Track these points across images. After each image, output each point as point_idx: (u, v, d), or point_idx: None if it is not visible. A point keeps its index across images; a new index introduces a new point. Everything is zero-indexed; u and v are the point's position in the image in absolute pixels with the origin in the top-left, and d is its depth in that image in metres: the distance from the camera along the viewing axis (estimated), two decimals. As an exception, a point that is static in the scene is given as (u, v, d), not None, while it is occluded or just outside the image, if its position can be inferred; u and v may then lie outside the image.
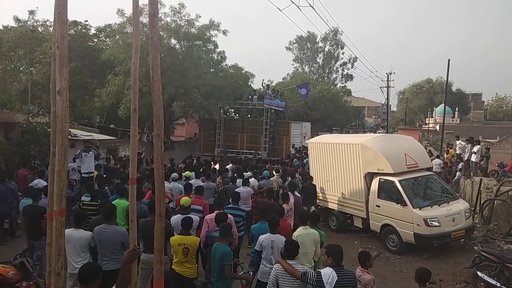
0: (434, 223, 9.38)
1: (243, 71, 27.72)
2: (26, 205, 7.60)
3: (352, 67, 60.10)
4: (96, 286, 3.69)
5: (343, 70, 61.55)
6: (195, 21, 23.84)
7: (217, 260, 5.45)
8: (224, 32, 24.81)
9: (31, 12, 26.30)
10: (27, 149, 13.06)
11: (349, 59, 59.19)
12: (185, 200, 7.23)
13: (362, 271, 5.11)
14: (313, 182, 12.38)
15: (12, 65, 26.51)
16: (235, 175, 11.74)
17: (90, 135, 17.10)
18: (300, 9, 17.28)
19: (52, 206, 2.86)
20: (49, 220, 3.02)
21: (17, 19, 26.26)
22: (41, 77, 23.66)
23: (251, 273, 6.05)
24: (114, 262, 5.70)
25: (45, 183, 9.60)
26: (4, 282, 5.59)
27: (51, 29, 26.53)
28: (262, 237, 6.09)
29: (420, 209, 9.59)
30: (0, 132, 12.96)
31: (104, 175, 12.11)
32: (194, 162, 16.93)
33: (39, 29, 27.01)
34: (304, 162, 17.07)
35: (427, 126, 51.35)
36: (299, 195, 10.36)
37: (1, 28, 26.62)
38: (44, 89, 23.83)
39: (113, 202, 7.45)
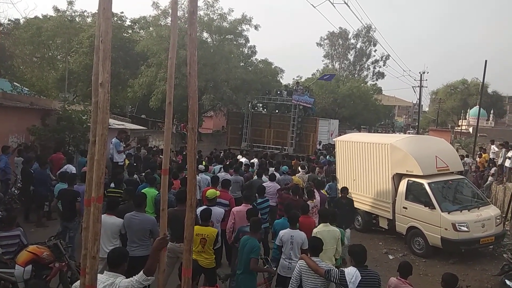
0: (462, 228, 9.18)
1: (273, 66, 27.70)
2: (62, 189, 7.96)
3: (384, 65, 58.96)
4: (124, 269, 3.85)
5: (374, 67, 60.45)
6: (227, 15, 23.97)
7: (244, 252, 5.55)
8: (256, 27, 24.83)
9: (70, 3, 27.07)
10: (63, 135, 13.52)
11: (381, 57, 58.09)
12: (210, 192, 7.35)
13: (404, 282, 4.95)
14: (349, 196, 10.13)
15: (50, 53, 27.38)
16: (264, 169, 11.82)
17: (122, 124, 17.54)
18: (334, 6, 17.07)
19: (90, 192, 3.00)
20: (87, 206, 3.17)
21: (56, 9, 27.11)
22: (77, 66, 24.38)
23: (275, 268, 6.14)
24: (142, 249, 5.89)
25: (74, 168, 10.08)
26: (39, 262, 5.88)
27: (88, 19, 27.33)
28: (282, 232, 6.20)
29: (448, 213, 9.41)
30: (37, 118, 13.47)
31: (135, 164, 12.44)
32: (221, 155, 17.13)
33: (77, 19, 27.80)
34: (327, 159, 17.01)
35: (459, 128, 49.81)
36: (324, 193, 10.35)
37: (41, 17, 27.56)
38: (80, 77, 24.55)
39: (142, 191, 7.69)
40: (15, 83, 19.56)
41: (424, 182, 9.91)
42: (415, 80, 41.47)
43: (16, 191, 10.78)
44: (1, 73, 21.13)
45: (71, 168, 10.24)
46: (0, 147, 11.12)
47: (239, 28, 24.46)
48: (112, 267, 3.82)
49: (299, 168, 13.97)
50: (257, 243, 5.61)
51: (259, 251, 5.63)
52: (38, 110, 13.81)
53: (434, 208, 9.50)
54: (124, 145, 12.49)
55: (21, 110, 13.38)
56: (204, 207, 6.56)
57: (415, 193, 10.21)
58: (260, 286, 5.94)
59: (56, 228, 8.36)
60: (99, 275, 3.56)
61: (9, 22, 27.24)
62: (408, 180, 10.35)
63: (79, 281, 3.55)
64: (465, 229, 9.19)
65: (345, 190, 9.71)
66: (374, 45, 57.51)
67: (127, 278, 3.72)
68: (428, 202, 9.64)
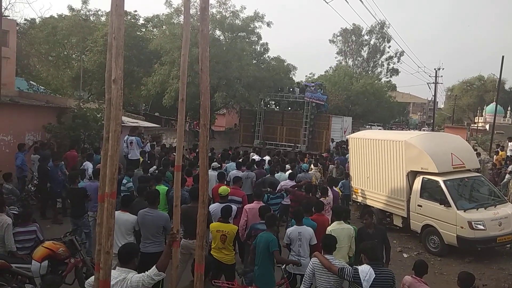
0: (479, 226, 9.03)
1: (285, 64, 27.57)
2: (69, 187, 8.09)
3: (398, 61, 58.29)
4: (135, 265, 3.89)
5: (388, 64, 59.79)
6: (239, 13, 23.92)
7: (261, 248, 5.56)
8: (268, 24, 24.73)
9: (84, 2, 27.31)
10: (78, 133, 13.70)
11: (396, 53, 57.44)
12: (223, 189, 7.38)
13: (419, 281, 4.91)
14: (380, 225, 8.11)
15: (65, 53, 27.69)
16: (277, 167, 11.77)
17: (136, 122, 17.69)
18: (347, 1, 16.91)
19: (104, 188, 3.02)
20: (101, 201, 3.20)
21: (71, 8, 27.39)
22: (92, 65, 24.64)
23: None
24: (156, 245, 5.94)
25: (91, 166, 10.26)
26: (55, 258, 5.99)
27: (102, 18, 27.56)
28: (289, 230, 6.22)
29: (464, 211, 9.26)
30: (53, 116, 13.67)
31: (148, 161, 12.56)
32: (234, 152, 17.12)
33: (91, 18, 28.09)
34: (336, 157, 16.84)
35: (476, 125, 48.98)
36: (337, 190, 10.28)
37: (56, 17, 27.94)
38: (94, 76, 24.82)
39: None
40: (31, 81, 19.92)
41: (440, 179, 9.77)
42: (430, 76, 40.69)
43: (32, 188, 10.95)
44: (18, 72, 21.49)
45: (89, 165, 10.40)
46: (17, 145, 11.34)
47: (252, 26, 24.40)
48: (123, 263, 3.86)
49: (312, 165, 13.91)
50: (273, 236, 5.63)
51: (278, 243, 5.64)
52: (54, 108, 14.02)
53: (450, 206, 9.36)
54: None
55: (37, 108, 13.62)
56: (225, 204, 6.59)
57: (430, 191, 10.07)
58: (281, 286, 5.94)
59: (71, 225, 8.50)
60: (112, 271, 3.60)
61: (25, 21, 27.71)
62: (423, 178, 10.21)
63: (93, 277, 3.59)
64: (482, 227, 9.04)
65: (368, 215, 6.76)
66: (388, 41, 56.80)
67: (139, 273, 3.76)
68: (443, 200, 9.49)
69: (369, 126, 42.08)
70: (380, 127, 45.06)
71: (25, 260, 5.90)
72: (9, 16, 18.01)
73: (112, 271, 3.64)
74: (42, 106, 13.83)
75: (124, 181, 8.80)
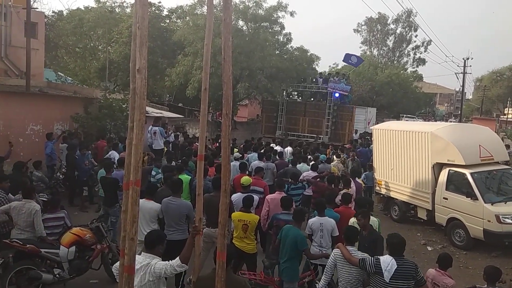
0: (507, 220, 8.80)
1: (308, 54, 27.26)
2: (102, 176, 8.26)
3: (425, 51, 56.63)
4: (160, 252, 3.97)
5: (415, 53, 58.09)
6: (263, 3, 23.78)
7: (288, 242, 5.57)
8: (292, 14, 24.52)
9: (110, -6, 27.77)
10: (104, 123, 14.00)
11: (423, 42, 55.81)
12: (245, 179, 7.41)
13: (443, 274, 4.86)
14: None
15: (92, 44, 28.24)
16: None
17: (160, 113, 17.92)
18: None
19: (128, 176, 3.08)
20: (125, 189, 3.27)
21: (97, 0, 27.89)
22: (117, 56, 25.03)
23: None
24: (179, 233, 6.04)
25: (117, 155, 10.45)
26: (82, 244, 6.18)
27: (127, 10, 27.92)
28: (311, 221, 6.22)
29: (492, 205, 9.03)
30: (80, 107, 14.00)
31: (172, 151, 12.74)
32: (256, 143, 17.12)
33: (117, 10, 28.49)
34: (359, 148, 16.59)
35: (505, 117, 47.34)
36: (360, 182, 10.17)
37: (83, 9, 28.47)
38: (120, 67, 25.22)
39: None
40: (59, 72, 20.42)
41: (467, 172, 9.54)
42: (458, 66, 39.55)
43: (61, 176, 11.27)
44: (46, 63, 22.04)
45: (114, 155, 10.61)
46: (46, 134, 11.68)
47: (275, 15, 24.22)
48: (148, 248, 3.95)
49: (334, 156, 13.79)
50: (301, 233, 5.64)
51: (306, 240, 5.68)
52: (81, 99, 14.34)
53: (477, 199, 9.14)
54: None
55: (65, 99, 13.97)
56: (247, 194, 6.64)
57: (457, 184, 9.85)
58: (307, 278, 5.97)
59: (99, 212, 8.72)
60: (136, 256, 3.68)
61: (53, 13, 28.29)
62: (449, 170, 9.99)
63: (118, 262, 3.69)
64: (510, 221, 8.80)
65: (361, 216, 5.75)
66: (415, 30, 55.22)
67: (163, 261, 3.84)
68: (470, 192, 9.28)
69: (407, 119, 39.75)
70: (420, 119, 43.65)
71: (54, 246, 6.10)
72: (37, 8, 18.41)
73: (137, 256, 3.73)
74: (69, 96, 14.17)
75: (153, 172, 8.92)
